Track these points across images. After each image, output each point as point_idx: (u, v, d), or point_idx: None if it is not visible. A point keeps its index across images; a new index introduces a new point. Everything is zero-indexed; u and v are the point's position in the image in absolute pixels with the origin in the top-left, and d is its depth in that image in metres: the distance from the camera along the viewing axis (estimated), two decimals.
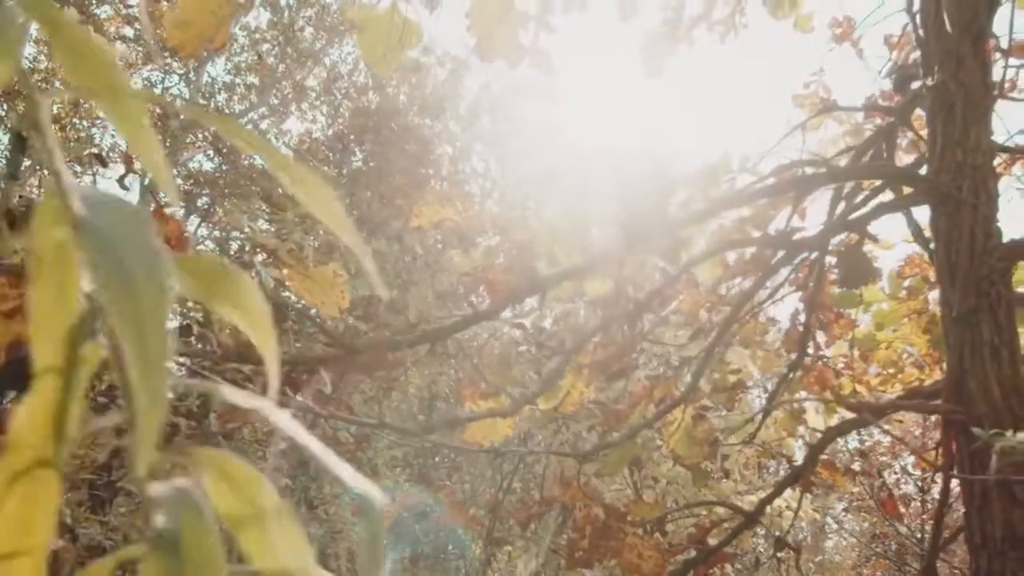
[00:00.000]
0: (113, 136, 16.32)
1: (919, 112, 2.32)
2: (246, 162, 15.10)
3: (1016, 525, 1.55)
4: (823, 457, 3.32)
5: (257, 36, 17.12)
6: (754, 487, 4.81)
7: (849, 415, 2.95)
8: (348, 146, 12.14)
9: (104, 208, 0.21)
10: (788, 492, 2.90)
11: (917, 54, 2.14)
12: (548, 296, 1.80)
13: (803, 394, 3.01)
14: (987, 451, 1.30)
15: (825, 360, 2.96)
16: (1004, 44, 2.78)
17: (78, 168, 13.89)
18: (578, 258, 1.94)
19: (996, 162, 2.58)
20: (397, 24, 1.85)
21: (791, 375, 2.79)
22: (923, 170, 1.93)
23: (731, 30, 3.01)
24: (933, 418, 4.52)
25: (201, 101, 15.06)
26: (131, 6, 15.92)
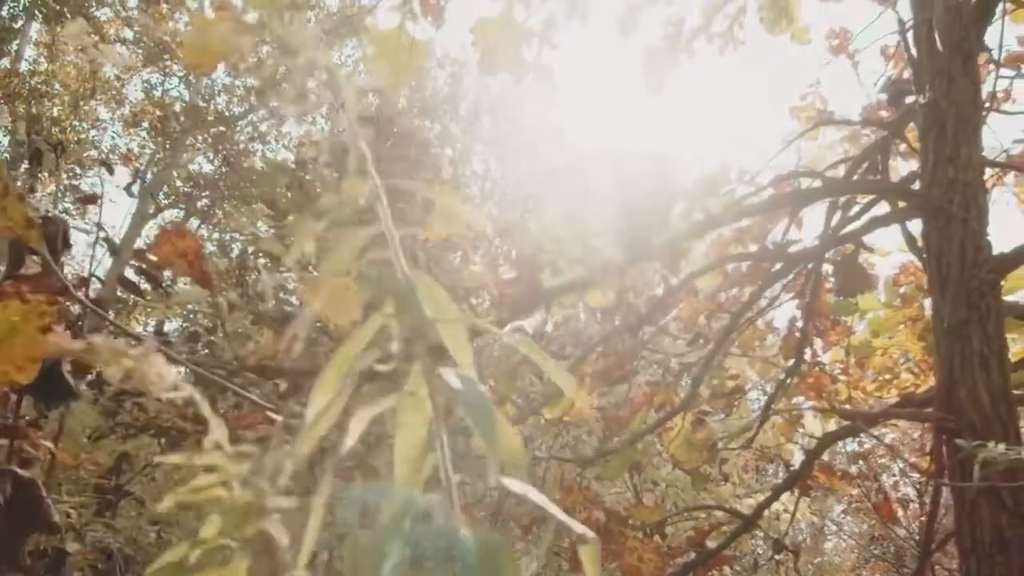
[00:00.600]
0: (113, 137, 16.29)
1: (914, 124, 2.38)
2: (246, 164, 15.13)
3: (1004, 529, 1.61)
4: (821, 461, 3.38)
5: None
6: (753, 490, 4.86)
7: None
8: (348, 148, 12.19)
9: (466, 387, 0.43)
10: (786, 496, 2.95)
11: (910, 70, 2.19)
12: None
13: (800, 399, 3.07)
14: (975, 459, 1.35)
15: (822, 366, 3.02)
16: (998, 54, 2.85)
17: (79, 170, 13.91)
18: (581, 268, 1.99)
19: (988, 174, 2.65)
20: (405, 43, 1.90)
21: (789, 381, 2.85)
22: (916, 184, 1.99)
23: (730, 42, 3.06)
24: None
25: (200, 103, 15.10)
26: (131, 8, 15.95)
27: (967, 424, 1.67)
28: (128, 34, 15.71)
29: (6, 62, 14.68)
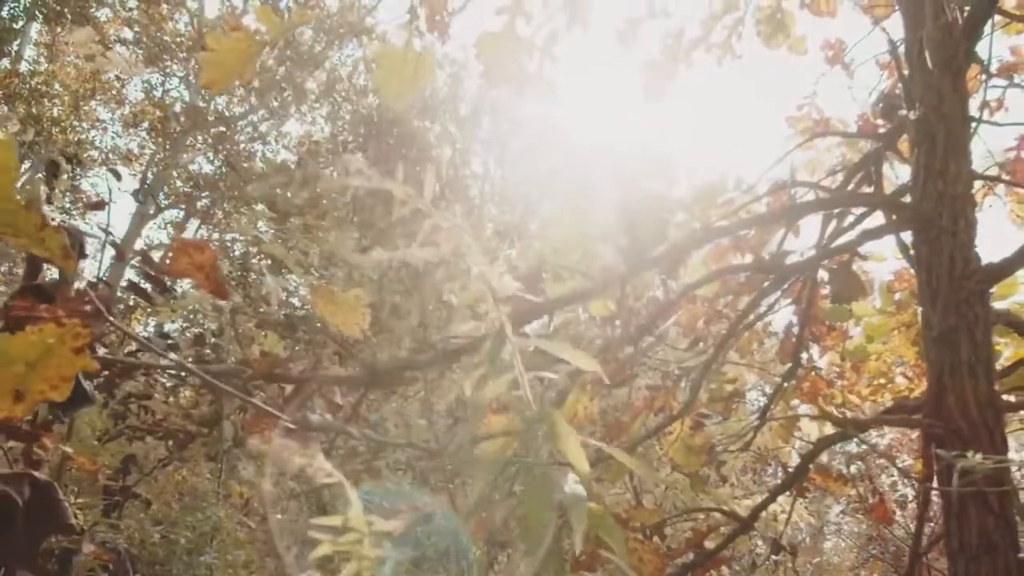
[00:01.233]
0: (113, 138, 16.31)
1: (907, 136, 2.44)
2: (246, 164, 15.16)
3: (991, 532, 1.67)
4: (817, 463, 3.44)
5: (256, 38, 17.14)
6: (750, 492, 4.92)
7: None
8: (350, 151, 12.25)
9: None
10: (783, 497, 3.01)
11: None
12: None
13: (796, 403, 3.13)
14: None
15: (818, 371, 3.08)
16: (992, 63, 2.91)
17: (78, 171, 13.93)
18: (582, 276, 2.05)
19: (979, 185, 2.71)
20: (411, 59, 1.96)
21: (786, 385, 2.91)
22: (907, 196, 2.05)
23: (728, 53, 3.13)
24: None
25: (200, 104, 15.13)
26: (131, 9, 15.98)
27: (955, 430, 1.73)
28: (128, 34, 15.74)
29: (6, 62, 14.69)
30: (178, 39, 15.70)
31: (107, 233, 3.39)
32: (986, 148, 3.11)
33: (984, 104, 3.24)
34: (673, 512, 3.66)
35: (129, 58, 15.66)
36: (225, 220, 15.64)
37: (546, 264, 2.06)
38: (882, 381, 3.04)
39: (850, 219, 2.38)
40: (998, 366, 2.92)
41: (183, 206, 15.69)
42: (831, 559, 11.57)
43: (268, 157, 15.59)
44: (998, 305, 3.11)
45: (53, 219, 1.77)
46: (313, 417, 1.79)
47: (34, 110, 14.07)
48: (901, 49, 2.17)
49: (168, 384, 4.07)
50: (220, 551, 3.73)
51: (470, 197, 11.88)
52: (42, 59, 15.50)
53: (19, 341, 1.00)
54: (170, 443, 3.73)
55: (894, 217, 2.04)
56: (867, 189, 2.63)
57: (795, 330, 2.79)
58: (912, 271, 2.78)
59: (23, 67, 14.78)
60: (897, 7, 2.12)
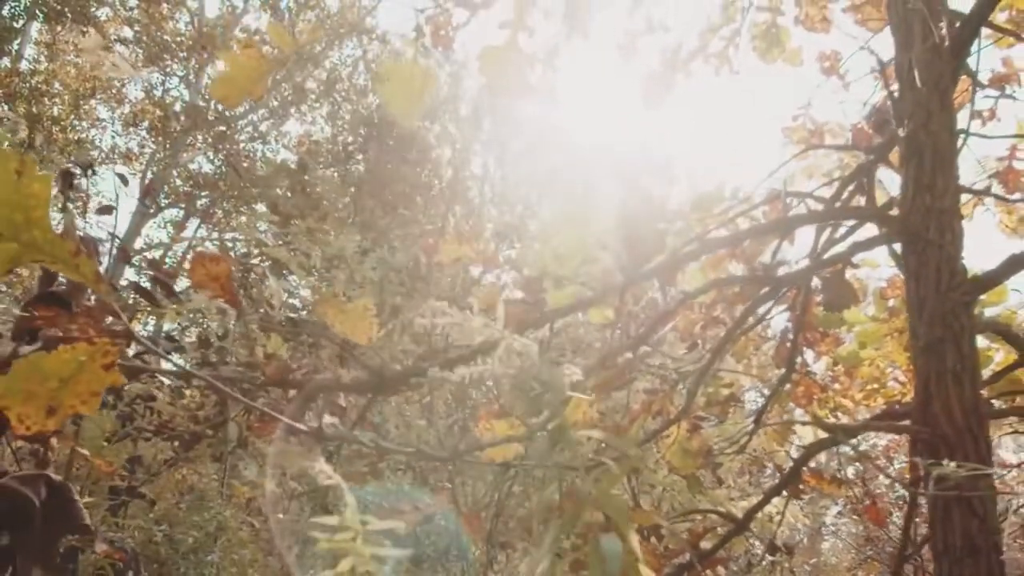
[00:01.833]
0: (113, 137, 16.33)
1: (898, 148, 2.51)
2: (246, 164, 15.21)
3: (974, 535, 1.74)
4: (812, 466, 3.51)
5: (256, 38, 17.23)
6: (747, 494, 4.99)
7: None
8: (352, 154, 12.29)
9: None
10: (778, 499, 3.08)
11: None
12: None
13: (792, 407, 3.20)
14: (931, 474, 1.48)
15: (812, 375, 3.15)
16: (983, 72, 2.98)
17: (78, 170, 13.95)
18: (582, 282, 2.12)
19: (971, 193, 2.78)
20: (418, 75, 2.02)
21: (781, 389, 2.98)
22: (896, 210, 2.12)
23: (726, 63, 3.20)
24: None
25: (200, 103, 15.17)
26: (131, 8, 16.00)
27: (941, 436, 1.80)
28: (128, 33, 15.77)
29: (7, 61, 14.71)
30: (178, 39, 15.74)
31: (115, 238, 3.45)
32: (980, 154, 3.19)
33: (976, 114, 3.32)
34: (671, 513, 3.73)
35: (130, 58, 15.68)
36: (225, 220, 15.69)
37: (547, 272, 2.12)
38: (875, 386, 3.11)
39: (842, 231, 2.45)
40: (991, 370, 3.00)
41: (183, 205, 15.71)
42: (828, 560, 11.64)
43: (268, 157, 15.60)
44: (989, 311, 3.19)
45: (78, 228, 1.83)
46: (326, 424, 1.85)
47: (34, 109, 14.10)
48: (892, 65, 2.24)
49: (173, 386, 4.14)
50: (225, 550, 3.80)
51: (469, 198, 11.93)
52: (42, 58, 15.54)
53: (53, 359, 1.06)
54: (175, 444, 3.79)
55: (884, 230, 2.11)
56: (860, 199, 2.70)
57: (789, 336, 2.86)
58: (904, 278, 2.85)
59: (23, 66, 14.81)
60: (889, 25, 2.19)
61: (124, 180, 3.89)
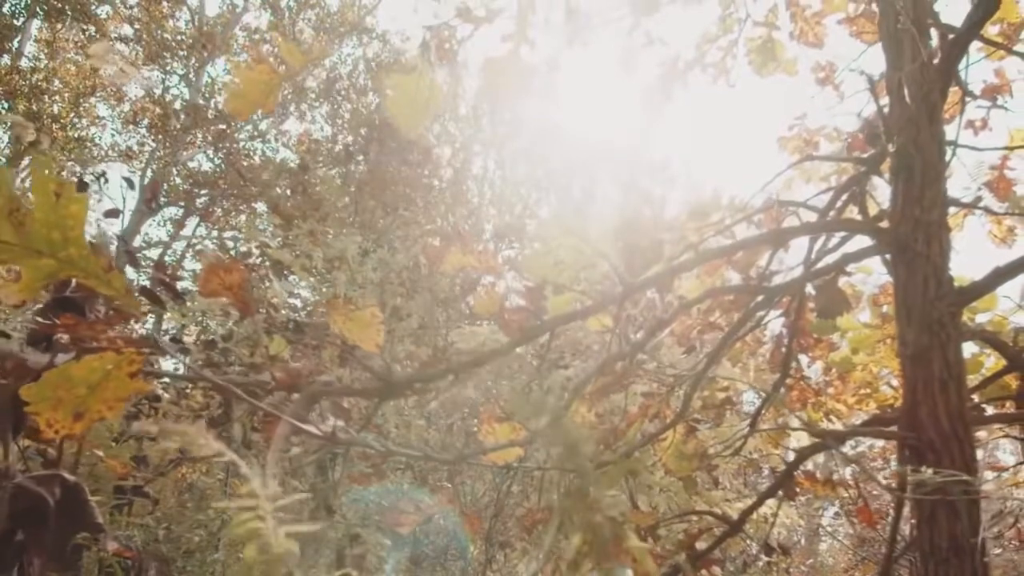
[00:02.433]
0: (113, 135, 16.34)
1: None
2: (245, 163, 15.24)
3: (959, 536, 1.80)
4: (808, 468, 3.58)
5: (257, 37, 17.25)
6: (743, 495, 5.06)
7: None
8: (353, 155, 12.34)
9: None
10: (773, 501, 3.15)
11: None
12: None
13: (786, 411, 3.26)
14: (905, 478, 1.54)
15: (807, 380, 3.22)
16: (973, 82, 3.05)
17: (78, 169, 13.99)
18: (580, 289, 2.18)
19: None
20: (424, 87, 2.08)
21: (776, 393, 3.04)
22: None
23: (723, 73, 3.26)
24: None
25: (200, 102, 15.20)
26: (131, 6, 16.02)
27: (927, 441, 1.86)
28: (128, 31, 15.79)
29: (7, 59, 14.73)
30: (179, 37, 15.77)
31: (123, 241, 3.50)
32: (975, 160, 3.26)
33: (968, 124, 3.38)
34: (667, 514, 3.79)
35: (130, 56, 15.69)
36: (224, 218, 15.72)
37: (547, 279, 2.18)
38: (867, 391, 3.18)
39: (836, 239, 2.52)
40: (982, 375, 3.07)
41: (182, 203, 15.73)
42: (825, 560, 11.70)
43: (268, 156, 15.62)
44: (979, 318, 3.26)
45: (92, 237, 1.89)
46: (335, 427, 1.91)
47: (34, 106, 14.13)
48: (883, 80, 2.30)
49: (178, 387, 4.19)
50: (230, 549, 3.86)
51: (469, 198, 11.99)
52: (42, 56, 15.57)
53: (82, 367, 1.12)
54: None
55: (875, 241, 2.18)
56: (853, 207, 2.76)
57: (784, 341, 2.92)
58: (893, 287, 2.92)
59: (24, 63, 14.84)
60: (880, 41, 2.25)
61: (131, 184, 3.94)
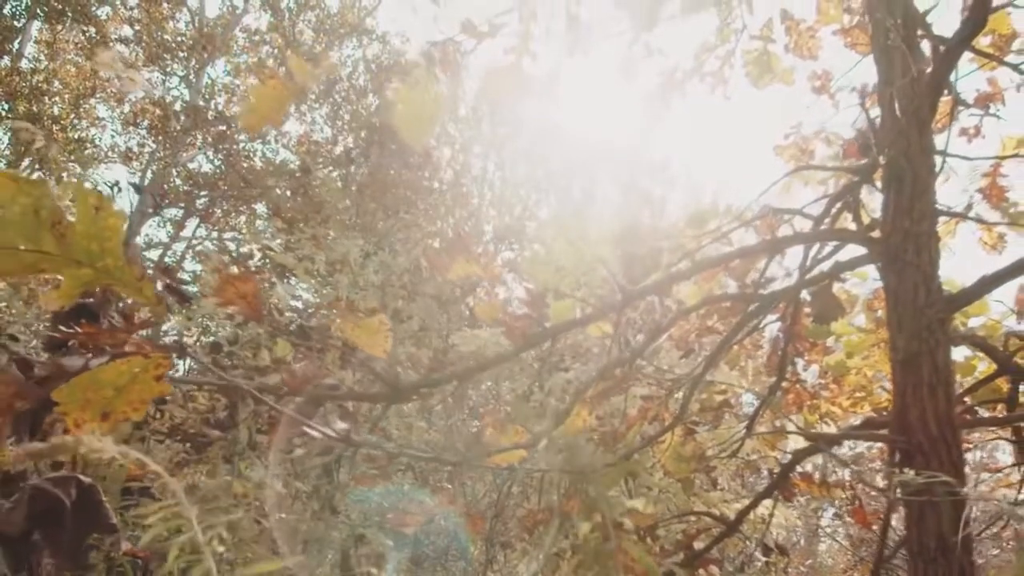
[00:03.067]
0: (113, 136, 16.40)
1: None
2: (245, 164, 15.30)
3: (946, 537, 1.87)
4: (805, 469, 3.64)
5: (257, 38, 17.29)
6: (740, 496, 5.13)
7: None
8: (354, 158, 12.39)
9: None
10: (770, 502, 3.21)
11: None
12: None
13: (782, 414, 3.33)
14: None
15: (803, 383, 3.28)
16: (964, 89, 3.12)
17: (79, 169, 14.05)
18: (580, 296, 2.25)
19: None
20: (429, 101, 2.15)
21: (772, 396, 3.11)
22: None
23: (720, 83, 3.32)
24: None
25: (200, 103, 15.25)
26: (131, 8, 16.06)
27: (917, 444, 1.93)
28: (128, 32, 15.84)
29: (7, 60, 14.78)
30: (179, 38, 15.83)
31: (130, 245, 3.56)
32: (968, 167, 3.33)
33: (962, 131, 3.45)
34: (667, 515, 3.85)
35: (130, 57, 15.73)
36: (224, 219, 15.77)
37: (548, 286, 2.25)
38: (862, 394, 3.24)
39: (830, 247, 2.58)
40: (976, 377, 3.13)
41: (182, 204, 15.78)
42: (824, 561, 11.75)
43: (268, 157, 15.67)
44: (972, 322, 3.32)
45: None
46: (347, 430, 1.97)
47: (34, 108, 14.18)
48: (875, 92, 2.37)
49: (184, 390, 4.25)
50: (238, 549, 3.90)
51: (469, 200, 12.04)
52: (42, 57, 15.62)
53: (110, 370, 1.18)
54: (188, 446, 3.91)
55: (867, 251, 2.24)
56: (847, 215, 2.83)
57: (780, 346, 2.99)
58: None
59: (24, 65, 14.88)
60: (872, 55, 2.31)
61: (138, 189, 3.99)
